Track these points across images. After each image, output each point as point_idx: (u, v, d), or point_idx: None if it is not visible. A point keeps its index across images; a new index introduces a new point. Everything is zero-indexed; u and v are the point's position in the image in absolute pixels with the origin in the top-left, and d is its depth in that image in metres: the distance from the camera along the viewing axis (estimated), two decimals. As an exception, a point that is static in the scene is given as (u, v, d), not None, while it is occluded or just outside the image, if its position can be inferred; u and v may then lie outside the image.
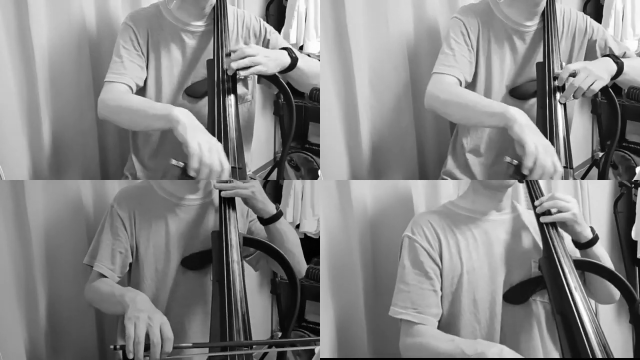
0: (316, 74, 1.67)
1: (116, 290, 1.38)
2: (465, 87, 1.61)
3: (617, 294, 1.46)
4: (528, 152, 1.34)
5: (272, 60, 1.54)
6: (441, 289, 1.45)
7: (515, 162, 1.38)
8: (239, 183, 1.47)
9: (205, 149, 1.35)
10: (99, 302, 1.45)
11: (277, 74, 1.56)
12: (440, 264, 1.45)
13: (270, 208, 1.51)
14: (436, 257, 1.45)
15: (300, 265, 1.58)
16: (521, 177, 1.38)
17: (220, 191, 1.48)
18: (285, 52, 1.59)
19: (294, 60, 1.58)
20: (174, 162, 1.35)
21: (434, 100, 1.55)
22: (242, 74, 1.51)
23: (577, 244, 1.43)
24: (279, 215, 1.52)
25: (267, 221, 1.52)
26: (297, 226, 2.10)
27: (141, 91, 1.62)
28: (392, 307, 1.44)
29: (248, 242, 1.48)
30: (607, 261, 1.44)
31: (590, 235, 1.41)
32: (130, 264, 1.53)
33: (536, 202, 1.42)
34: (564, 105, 1.51)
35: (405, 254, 1.47)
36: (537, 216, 1.42)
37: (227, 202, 1.47)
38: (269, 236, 1.53)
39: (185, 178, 1.35)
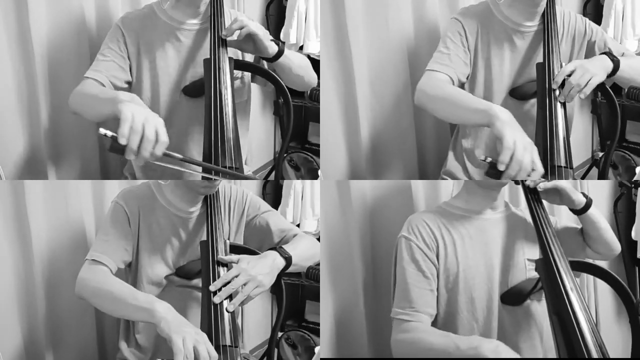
0: (301, 65, 1.62)
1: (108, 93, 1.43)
2: (462, 88, 1.61)
3: (615, 244, 1.55)
4: (505, 146, 1.31)
5: (267, 275, 1.44)
6: (437, 289, 1.46)
7: (489, 159, 1.34)
8: (243, 21, 1.49)
9: (139, 119, 1.23)
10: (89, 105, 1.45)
11: (270, 71, 1.56)
12: (437, 263, 1.46)
13: (274, 47, 1.53)
14: (433, 256, 1.46)
15: (311, 81, 1.66)
16: (498, 174, 1.34)
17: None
18: (277, 255, 1.50)
19: (281, 47, 1.55)
20: (102, 131, 1.23)
21: (422, 96, 1.54)
22: (239, 31, 1.50)
23: (574, 211, 1.49)
24: (282, 50, 1.55)
25: (274, 59, 1.55)
26: (297, 226, 2.10)
27: (137, 92, 1.62)
28: (394, 309, 1.45)
29: (235, 249, 1.50)
30: (603, 221, 1.52)
31: (584, 200, 1.47)
32: (130, 264, 1.53)
33: (528, 182, 1.45)
34: (564, 105, 1.51)
35: (402, 254, 1.48)
36: (529, 199, 1.45)
37: (215, 211, 1.50)
38: (277, 69, 1.57)
39: (116, 151, 1.23)
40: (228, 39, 1.52)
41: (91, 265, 1.44)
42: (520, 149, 1.30)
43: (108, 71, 1.55)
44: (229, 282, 1.38)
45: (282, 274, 1.47)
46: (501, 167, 1.31)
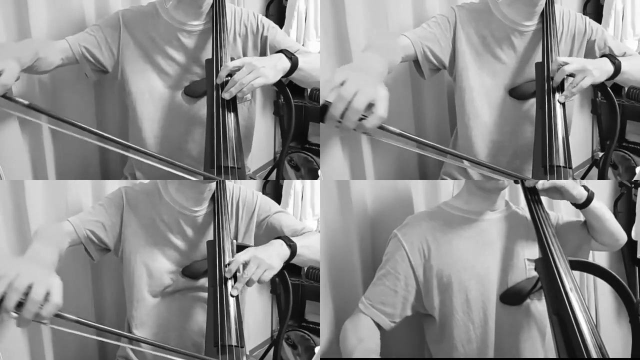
0: (314, 68, 1.64)
1: None
2: (434, 66, 1.62)
3: (620, 233, 1.54)
4: (330, 79, 1.16)
5: (271, 69, 1.51)
6: (419, 289, 1.47)
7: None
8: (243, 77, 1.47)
9: None
10: None
11: None
12: (418, 266, 1.47)
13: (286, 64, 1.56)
14: (417, 260, 1.47)
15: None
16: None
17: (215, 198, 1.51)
18: (282, 56, 1.56)
19: (294, 63, 1.56)
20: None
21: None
22: (245, 94, 1.51)
23: (577, 205, 1.46)
24: (294, 65, 1.56)
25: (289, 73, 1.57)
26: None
27: (134, 93, 1.62)
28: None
29: (242, 250, 1.49)
30: (606, 212, 1.49)
31: (585, 194, 1.44)
32: (120, 253, 1.53)
33: (526, 182, 1.44)
34: (563, 104, 1.51)
35: (387, 249, 1.51)
36: (529, 202, 1.44)
37: (222, 210, 1.50)
38: (294, 80, 1.62)
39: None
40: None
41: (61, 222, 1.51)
42: (351, 86, 1.12)
43: (85, 43, 1.58)
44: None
45: (287, 265, 1.48)
46: (322, 101, 1.14)
